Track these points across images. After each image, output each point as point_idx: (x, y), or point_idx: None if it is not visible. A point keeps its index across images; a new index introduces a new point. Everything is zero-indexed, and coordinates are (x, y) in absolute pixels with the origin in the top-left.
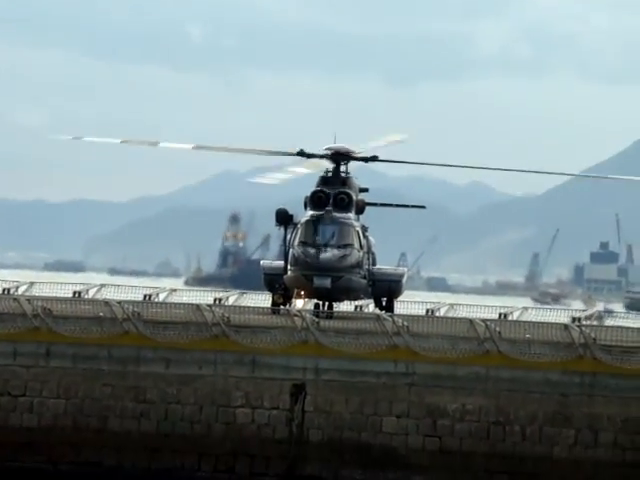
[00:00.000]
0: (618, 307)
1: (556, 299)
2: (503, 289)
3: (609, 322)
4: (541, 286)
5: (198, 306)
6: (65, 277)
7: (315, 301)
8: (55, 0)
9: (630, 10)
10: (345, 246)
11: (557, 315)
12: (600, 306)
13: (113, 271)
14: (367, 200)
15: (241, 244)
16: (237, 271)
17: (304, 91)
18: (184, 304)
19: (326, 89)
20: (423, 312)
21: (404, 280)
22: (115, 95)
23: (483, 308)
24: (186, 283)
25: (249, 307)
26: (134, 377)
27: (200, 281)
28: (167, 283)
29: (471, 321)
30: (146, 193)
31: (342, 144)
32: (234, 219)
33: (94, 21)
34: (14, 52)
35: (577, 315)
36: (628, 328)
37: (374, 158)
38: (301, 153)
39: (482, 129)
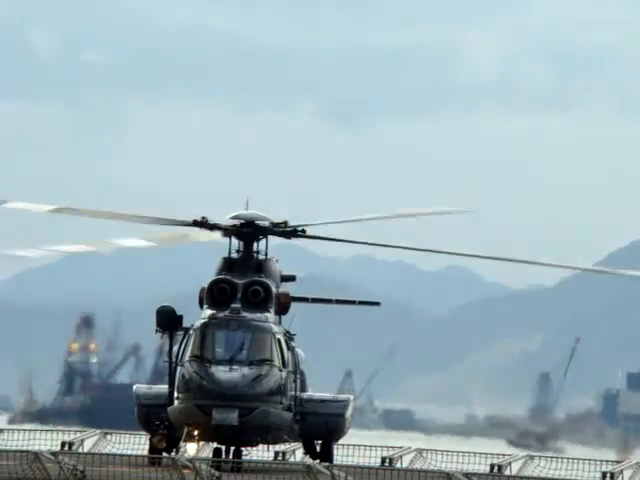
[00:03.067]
0: None
1: (541, 441)
2: (497, 428)
3: None
4: (557, 423)
5: (37, 455)
6: None
7: (215, 445)
8: None
9: None
10: (260, 363)
11: (578, 469)
12: None
13: None
14: (294, 294)
15: (94, 360)
16: (89, 400)
17: (199, 129)
18: (15, 452)
19: (235, 126)
20: (378, 462)
21: (348, 413)
22: None
23: (467, 457)
24: (11, 422)
25: (115, 455)
26: None
27: (33, 417)
28: None
29: (449, 476)
30: None
31: (255, 212)
32: (86, 323)
33: None
34: None
35: (609, 469)
36: None
37: (300, 232)
38: (199, 223)
39: (468, 187)
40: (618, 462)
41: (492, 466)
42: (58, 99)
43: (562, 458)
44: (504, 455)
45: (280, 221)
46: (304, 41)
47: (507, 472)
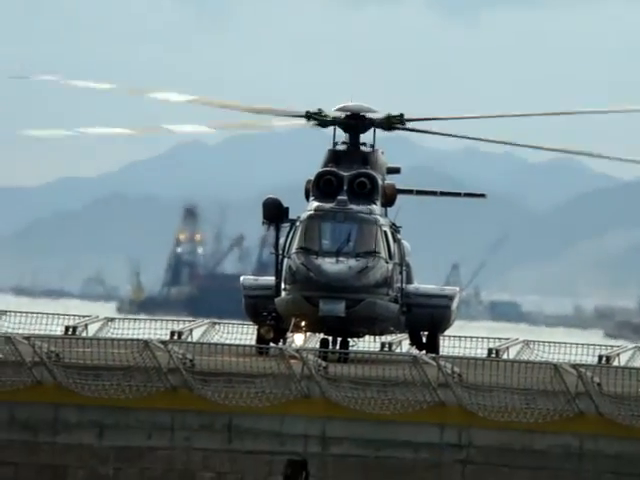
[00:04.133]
0: None
1: (639, 331)
2: (605, 319)
3: None
4: None
5: (147, 343)
6: None
7: (322, 336)
8: None
9: None
10: (367, 254)
11: None
12: None
13: (18, 290)
14: (399, 186)
15: (200, 250)
16: (195, 290)
17: (308, 25)
18: (125, 340)
19: (339, 18)
20: (484, 353)
21: (455, 305)
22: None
23: (575, 347)
24: (120, 310)
25: (223, 345)
26: (49, 451)
27: (140, 306)
28: (97, 309)
29: (557, 367)
30: (67, 174)
31: (362, 103)
32: (190, 214)
33: None
34: None
35: None
36: None
37: (407, 121)
38: (312, 115)
39: (582, 78)
40: None
41: (600, 357)
42: None
43: None
44: (612, 347)
45: (387, 114)
46: None
47: (615, 363)
